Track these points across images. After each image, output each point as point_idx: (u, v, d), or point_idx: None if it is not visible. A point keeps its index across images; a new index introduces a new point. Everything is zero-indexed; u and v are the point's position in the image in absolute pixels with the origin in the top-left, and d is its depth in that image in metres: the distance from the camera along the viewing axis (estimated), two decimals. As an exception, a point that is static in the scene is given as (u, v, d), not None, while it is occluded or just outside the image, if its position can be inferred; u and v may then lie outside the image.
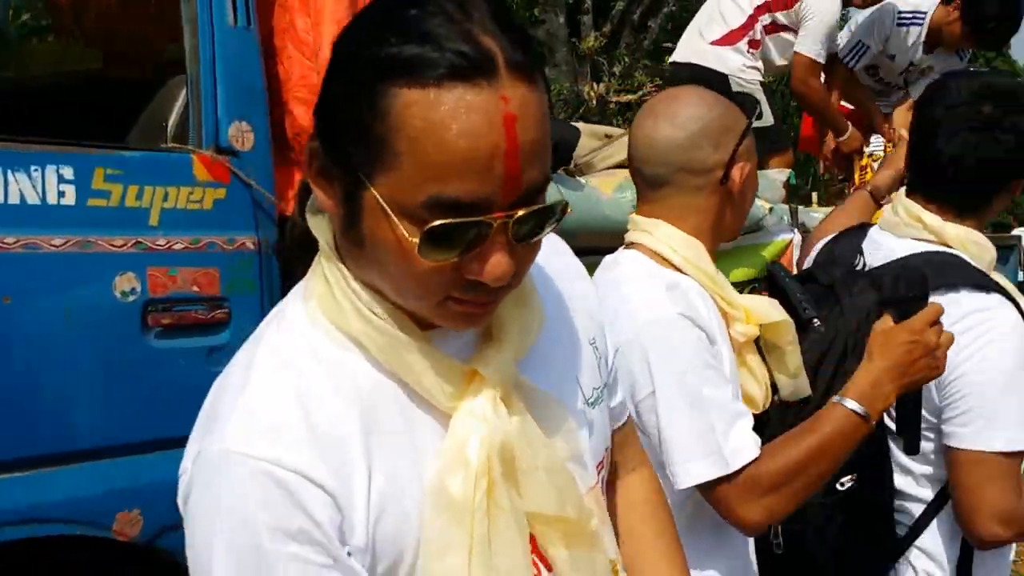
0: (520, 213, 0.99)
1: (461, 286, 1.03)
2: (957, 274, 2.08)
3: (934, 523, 2.13)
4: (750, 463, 1.74)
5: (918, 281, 2.01)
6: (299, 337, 1.10)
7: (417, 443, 1.08)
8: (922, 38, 4.84)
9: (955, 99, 2.14)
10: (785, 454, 1.77)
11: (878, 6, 4.85)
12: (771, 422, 1.93)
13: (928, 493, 2.12)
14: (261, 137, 2.71)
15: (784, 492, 1.75)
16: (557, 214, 1.04)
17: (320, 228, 1.13)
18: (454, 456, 1.05)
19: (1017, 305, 2.07)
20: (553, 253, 1.32)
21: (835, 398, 1.83)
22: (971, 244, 2.16)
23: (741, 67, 4.53)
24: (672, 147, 1.87)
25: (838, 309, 2.06)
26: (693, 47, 4.74)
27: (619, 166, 3.14)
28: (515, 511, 1.08)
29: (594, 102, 10.38)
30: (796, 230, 4.02)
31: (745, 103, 1.99)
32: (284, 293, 2.99)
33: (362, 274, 1.08)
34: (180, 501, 1.07)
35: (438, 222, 0.96)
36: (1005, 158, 2.12)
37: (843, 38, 5.03)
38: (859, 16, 5.08)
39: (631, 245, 1.95)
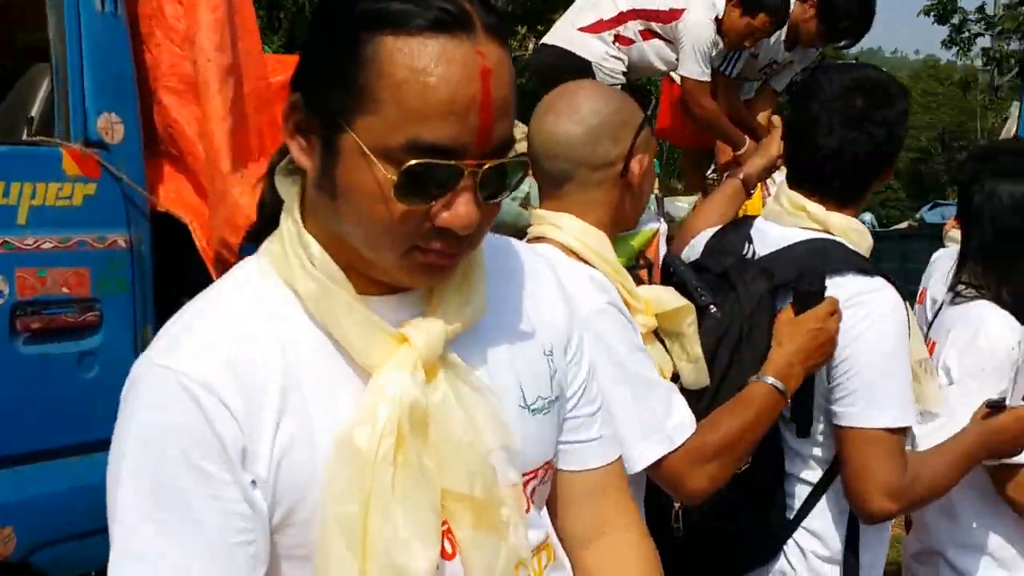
0: (490, 164, 1.05)
1: (428, 235, 1.07)
2: (841, 260, 2.18)
3: (822, 502, 2.23)
4: (691, 436, 1.85)
5: (818, 277, 2.09)
6: (245, 284, 1.15)
7: (338, 398, 1.11)
8: (783, 37, 4.99)
9: (828, 95, 2.23)
10: (725, 424, 1.89)
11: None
12: None
13: (817, 475, 2.22)
14: (131, 129, 2.60)
15: (724, 461, 1.88)
16: (519, 175, 1.10)
17: (287, 189, 1.17)
18: (366, 410, 1.08)
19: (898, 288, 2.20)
20: (534, 254, 1.37)
21: (755, 377, 1.96)
22: (852, 231, 2.27)
23: (604, 55, 4.58)
24: (573, 143, 1.88)
25: (733, 296, 2.13)
26: (562, 32, 4.78)
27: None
28: (423, 469, 1.10)
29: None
30: (662, 219, 4.11)
31: (641, 95, 2.02)
32: (157, 292, 2.88)
33: (331, 227, 1.11)
34: None
35: (416, 161, 1.01)
36: (877, 150, 2.24)
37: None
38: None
39: (539, 239, 1.96)
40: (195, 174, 2.81)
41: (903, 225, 11.94)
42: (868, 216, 16.48)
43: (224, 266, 2.62)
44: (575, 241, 1.90)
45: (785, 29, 4.89)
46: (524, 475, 1.23)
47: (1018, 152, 2.69)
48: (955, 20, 27.94)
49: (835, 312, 1.99)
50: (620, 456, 1.42)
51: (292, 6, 11.69)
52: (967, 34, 28.47)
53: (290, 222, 1.14)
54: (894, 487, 2.06)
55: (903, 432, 2.09)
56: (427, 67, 1.00)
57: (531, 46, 12.35)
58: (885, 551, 2.28)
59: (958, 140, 35.51)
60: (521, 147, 3.18)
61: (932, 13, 27.64)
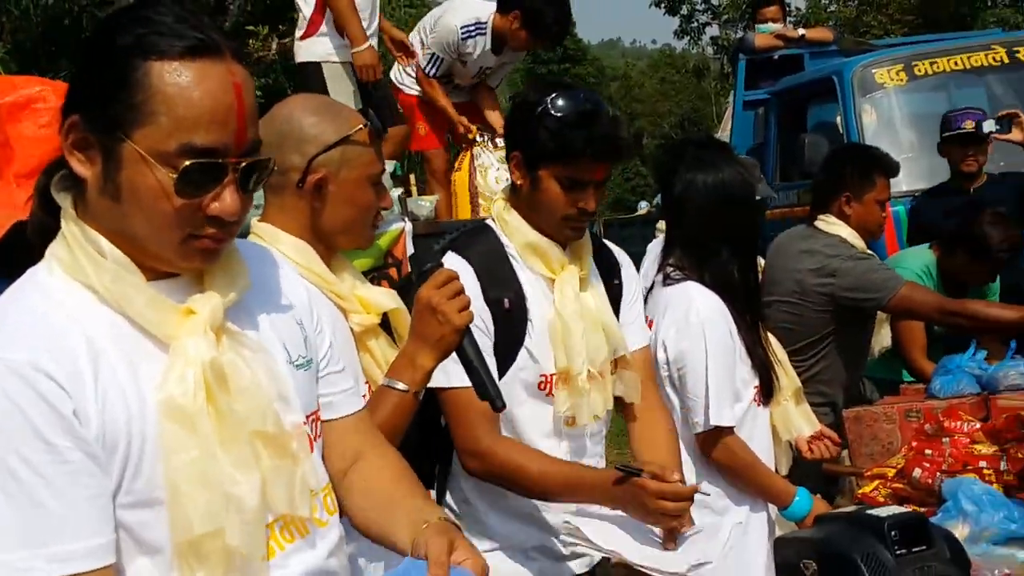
0: (247, 161, 1.32)
1: (202, 224, 1.31)
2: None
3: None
4: None
5: (435, 252, 2.24)
6: (35, 283, 1.32)
7: (138, 369, 1.30)
8: (488, 46, 5.29)
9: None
10: None
11: (440, 27, 5.26)
12: None
13: None
14: None
15: None
16: (269, 168, 1.38)
17: (64, 200, 1.34)
18: (176, 372, 1.30)
19: None
20: (276, 255, 1.66)
21: (383, 381, 1.96)
22: None
23: (329, 52, 4.70)
24: (265, 146, 1.95)
25: None
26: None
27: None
28: (234, 413, 1.33)
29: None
30: (406, 218, 4.20)
31: (372, 119, 2.06)
32: None
33: (114, 226, 1.30)
34: None
35: (190, 162, 1.26)
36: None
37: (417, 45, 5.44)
38: (427, 28, 5.41)
39: None
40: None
41: (643, 210, 12.58)
42: (643, 204, 17.26)
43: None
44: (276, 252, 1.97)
45: (489, 40, 5.16)
46: (308, 416, 1.49)
47: (703, 144, 2.96)
48: (684, 11, 29.47)
49: (447, 282, 1.94)
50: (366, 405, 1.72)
51: (16, 9, 11.07)
52: (696, 24, 30.11)
53: (72, 226, 1.32)
54: (470, 449, 2.22)
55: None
56: (191, 84, 1.26)
57: (274, 46, 12.21)
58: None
59: (697, 125, 37.46)
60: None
61: (662, 5, 29.05)
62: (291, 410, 1.44)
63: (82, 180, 1.31)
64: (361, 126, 2.01)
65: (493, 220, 2.39)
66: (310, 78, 4.66)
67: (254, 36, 12.34)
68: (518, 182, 2.30)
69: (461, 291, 1.93)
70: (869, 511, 1.95)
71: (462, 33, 5.20)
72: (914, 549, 1.87)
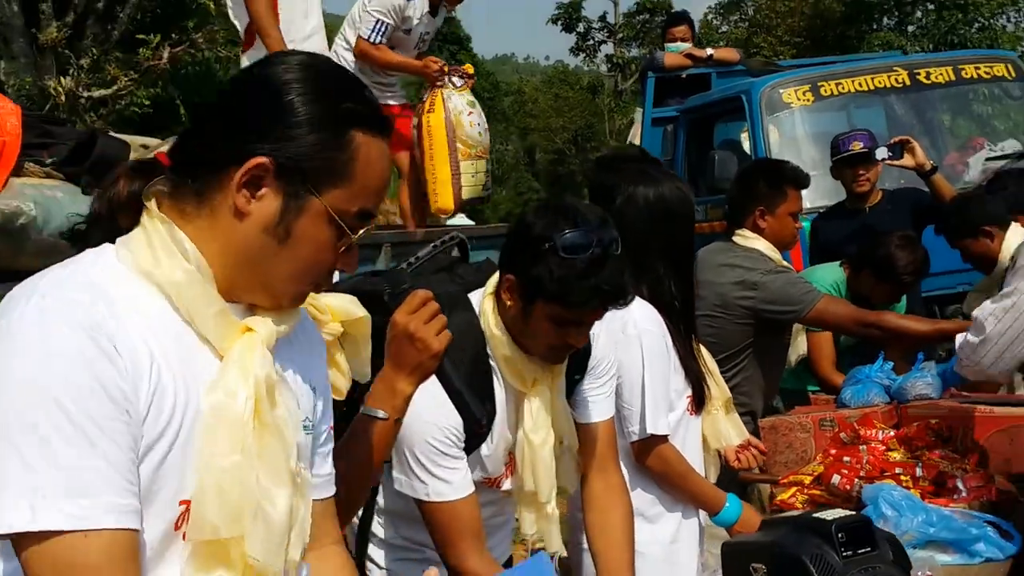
0: (372, 223, 1.45)
1: (327, 277, 1.47)
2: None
3: None
4: None
5: (397, 279, 2.22)
6: (105, 267, 1.33)
7: (192, 369, 1.33)
8: (426, 7, 5.34)
9: None
10: (345, 465, 1.83)
11: None
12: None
13: None
14: None
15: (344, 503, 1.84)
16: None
17: (150, 202, 1.38)
18: (231, 381, 1.33)
19: None
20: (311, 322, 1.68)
21: (362, 409, 1.93)
22: None
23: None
24: None
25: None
26: None
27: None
28: (277, 426, 1.37)
29: (63, 98, 9.78)
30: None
31: None
32: None
33: (250, 257, 1.36)
34: None
35: (366, 227, 1.41)
36: None
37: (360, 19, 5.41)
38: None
39: None
40: None
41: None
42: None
43: None
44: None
45: (426, 2, 5.27)
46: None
47: (638, 159, 3.02)
48: (580, 28, 29.93)
49: (422, 305, 1.91)
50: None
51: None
52: (592, 41, 30.59)
53: (159, 224, 1.35)
54: (455, 565, 2.22)
55: None
56: (379, 158, 1.40)
57: (165, 55, 11.99)
58: None
59: (590, 141, 37.91)
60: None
61: (559, 21, 29.46)
62: (301, 454, 1.47)
63: (207, 193, 1.36)
64: None
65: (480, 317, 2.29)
66: None
67: (144, 45, 12.10)
68: (508, 303, 2.20)
69: (437, 312, 1.90)
70: (815, 515, 2.01)
71: None
72: (860, 551, 1.93)
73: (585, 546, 2.73)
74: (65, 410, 1.20)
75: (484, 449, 2.26)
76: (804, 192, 5.92)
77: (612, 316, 2.71)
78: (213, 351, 1.36)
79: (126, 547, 1.23)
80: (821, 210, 5.55)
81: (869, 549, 1.95)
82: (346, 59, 5.48)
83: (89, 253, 1.37)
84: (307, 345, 1.57)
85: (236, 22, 4.70)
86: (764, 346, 3.85)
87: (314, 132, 1.34)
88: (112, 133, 3.64)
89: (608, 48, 30.95)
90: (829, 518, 1.96)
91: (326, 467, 1.63)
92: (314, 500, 1.54)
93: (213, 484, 1.31)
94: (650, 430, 2.67)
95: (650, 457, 2.72)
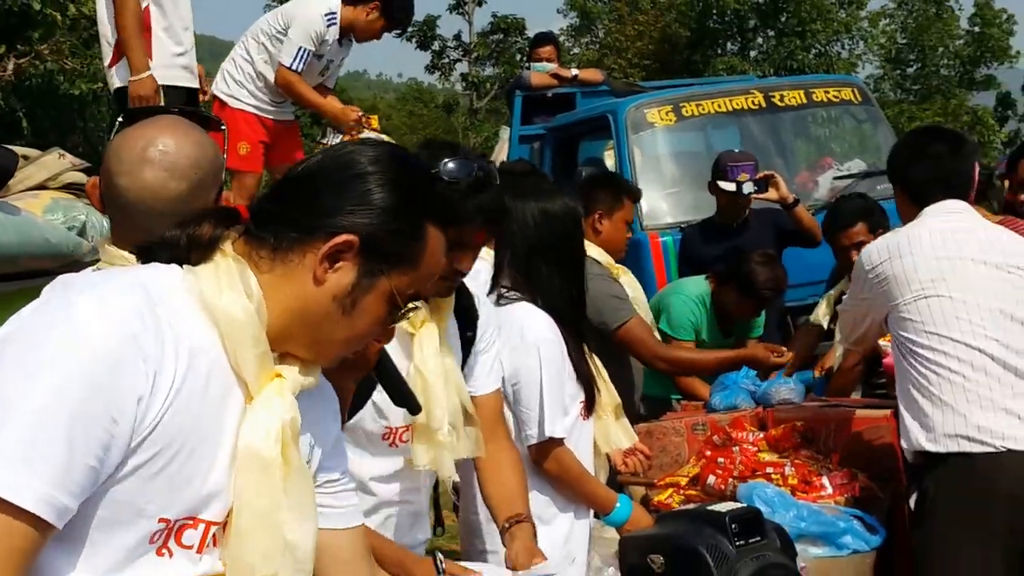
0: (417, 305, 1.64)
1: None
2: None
3: None
4: None
5: None
6: (169, 285, 1.42)
7: (217, 403, 1.41)
8: (337, 35, 5.33)
9: None
10: None
11: (301, 18, 5.27)
12: None
13: None
14: None
15: None
16: None
17: (226, 242, 1.48)
18: (262, 423, 1.43)
19: None
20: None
21: None
22: None
23: None
24: (179, 198, 1.90)
25: None
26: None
27: (39, 187, 3.02)
28: (300, 465, 1.49)
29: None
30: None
31: (209, 123, 2.07)
32: None
33: (322, 322, 1.48)
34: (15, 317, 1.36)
35: (413, 305, 1.56)
36: None
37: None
38: (280, 24, 5.37)
39: None
40: None
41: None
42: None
43: None
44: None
45: (339, 29, 5.26)
46: None
47: (527, 173, 3.12)
48: (436, 46, 30.04)
49: None
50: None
51: None
52: (447, 60, 30.73)
53: (231, 262, 1.45)
54: None
55: None
56: (441, 251, 1.54)
57: (10, 66, 11.53)
58: None
59: (444, 158, 37.90)
60: (41, 176, 3.09)
61: (414, 39, 29.49)
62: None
63: (286, 252, 1.46)
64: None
65: None
66: (123, 104, 4.52)
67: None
68: None
69: None
70: (709, 507, 2.13)
71: (326, 20, 5.23)
72: (751, 540, 2.05)
73: (476, 545, 2.81)
74: (67, 399, 1.27)
75: (374, 394, 2.29)
76: (665, 208, 6.18)
77: (510, 323, 2.81)
78: (243, 390, 1.45)
79: (26, 535, 1.26)
80: (682, 225, 5.77)
81: (760, 538, 2.07)
82: (244, 70, 5.44)
83: (156, 267, 1.46)
84: (319, 401, 1.64)
85: (107, 35, 4.60)
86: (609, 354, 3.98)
87: (397, 220, 1.47)
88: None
89: (463, 67, 31.16)
90: (723, 510, 2.08)
91: (351, 499, 1.72)
92: (348, 528, 1.68)
93: (247, 526, 1.42)
94: (548, 433, 2.76)
95: (547, 460, 2.81)
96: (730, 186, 5.13)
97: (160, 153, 1.90)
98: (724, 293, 4.72)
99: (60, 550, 1.32)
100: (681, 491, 3.45)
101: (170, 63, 4.56)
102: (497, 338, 2.65)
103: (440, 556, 2.27)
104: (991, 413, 2.85)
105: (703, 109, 6.26)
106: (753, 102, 6.31)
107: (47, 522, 1.26)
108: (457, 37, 30.25)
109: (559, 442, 2.80)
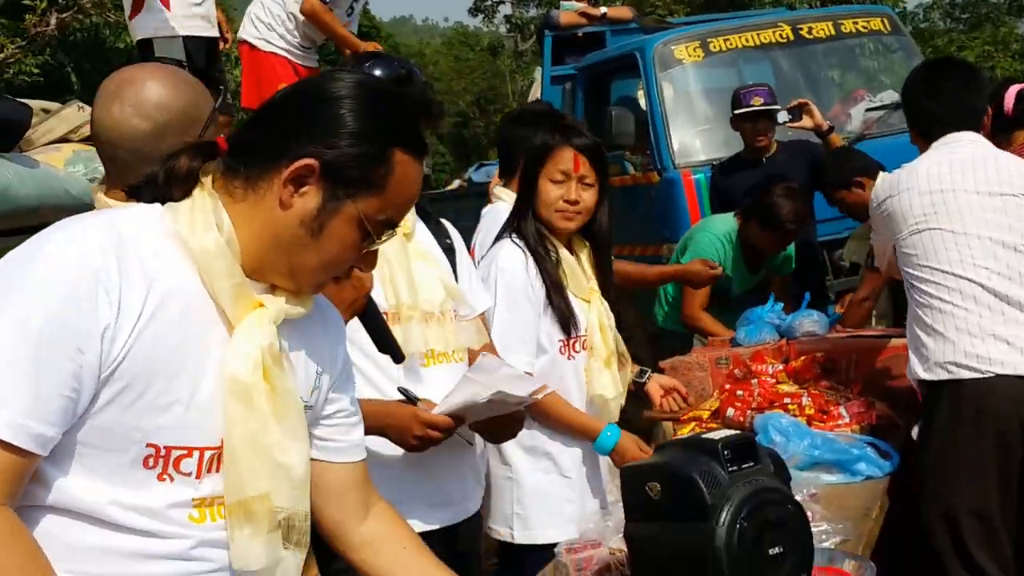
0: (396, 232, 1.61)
1: (346, 272, 1.62)
2: None
3: None
4: None
5: None
6: (145, 224, 1.47)
7: (198, 332, 1.47)
8: None
9: None
10: None
11: None
12: None
13: None
14: None
15: None
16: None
17: (205, 177, 1.52)
18: (241, 352, 1.48)
19: None
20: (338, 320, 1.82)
21: None
22: None
23: (155, 29, 4.62)
24: (138, 137, 1.90)
25: None
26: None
27: (61, 140, 3.11)
28: (287, 389, 1.53)
29: None
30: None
31: (211, 86, 2.10)
32: None
33: (282, 244, 1.50)
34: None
35: (388, 234, 1.56)
36: None
37: None
38: None
39: None
40: None
41: (454, 185, 12.71)
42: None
43: None
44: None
45: None
46: None
47: (542, 114, 3.15)
48: (479, -11, 29.76)
49: None
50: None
51: None
52: (491, 2, 30.47)
53: (207, 198, 1.49)
54: None
55: None
56: (413, 177, 1.55)
57: (53, 21, 11.62)
58: None
59: (492, 103, 37.84)
60: (62, 130, 3.17)
61: (458, -18, 29.22)
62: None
63: (257, 180, 1.49)
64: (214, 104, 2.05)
65: None
66: (147, 56, 4.59)
67: (31, 11, 11.73)
68: None
69: None
70: (703, 435, 2.17)
71: None
72: (744, 466, 2.08)
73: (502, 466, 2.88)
74: (31, 331, 1.33)
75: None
76: (697, 145, 6.15)
77: (488, 258, 2.86)
78: (226, 321, 1.49)
79: (7, 461, 1.32)
80: (714, 162, 5.74)
81: (752, 463, 2.09)
82: (273, 11, 5.45)
83: (137, 206, 1.51)
84: (320, 327, 1.69)
85: None
86: None
87: (359, 145, 1.49)
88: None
89: (507, 9, 30.90)
90: (716, 438, 2.11)
91: (354, 434, 1.79)
92: (345, 463, 1.75)
93: (233, 449, 1.48)
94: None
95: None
96: (781, 115, 5.13)
97: (132, 91, 1.92)
98: (749, 228, 4.72)
99: (62, 472, 1.40)
100: (703, 424, 3.49)
101: (188, 13, 4.61)
102: (470, 260, 2.73)
103: (410, 391, 2.35)
104: (980, 340, 2.88)
105: (731, 44, 6.20)
106: (781, 35, 6.24)
107: (25, 450, 1.33)
108: (500, -22, 29.95)
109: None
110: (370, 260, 1.62)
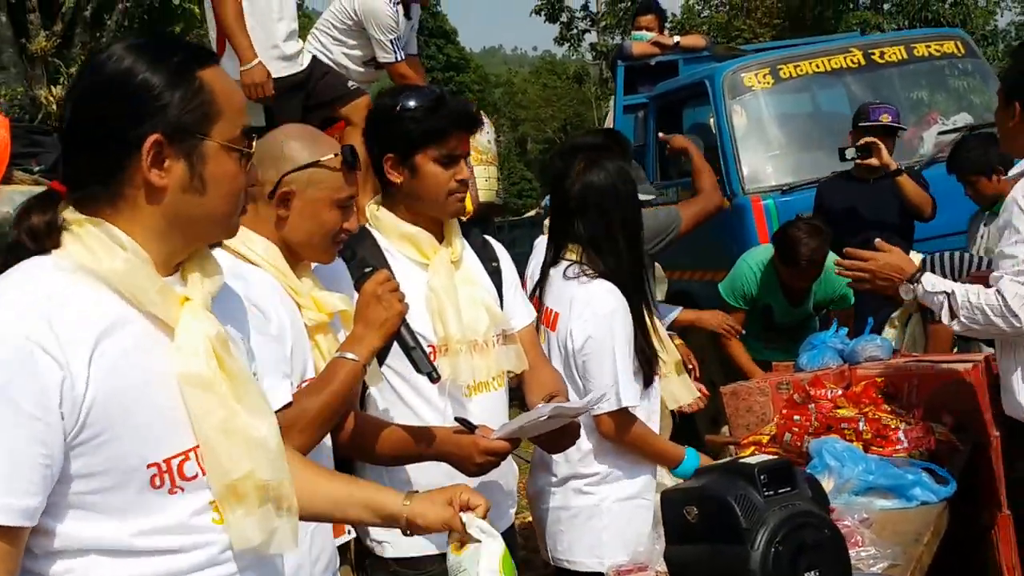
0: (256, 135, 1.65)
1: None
2: None
3: None
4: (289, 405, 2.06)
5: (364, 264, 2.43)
6: (44, 274, 1.47)
7: (144, 344, 1.50)
8: (402, 11, 5.42)
9: None
10: (312, 397, 2.13)
11: (369, 13, 5.35)
12: None
13: None
14: None
15: (314, 429, 2.13)
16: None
17: (71, 212, 1.52)
18: (190, 347, 1.52)
19: None
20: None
21: (336, 353, 2.21)
22: None
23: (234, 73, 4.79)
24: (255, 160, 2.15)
25: None
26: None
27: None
28: (240, 370, 1.59)
29: (55, 107, 9.90)
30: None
31: (345, 151, 2.27)
32: None
33: (193, 215, 1.55)
34: None
35: (252, 138, 1.60)
36: None
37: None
38: (366, 21, 5.43)
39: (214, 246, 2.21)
40: None
41: (532, 213, 12.83)
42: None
43: None
44: (242, 246, 2.18)
45: (402, 7, 5.39)
46: None
47: (596, 146, 3.21)
48: (564, 18, 29.93)
49: (385, 280, 2.25)
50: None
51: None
52: (576, 31, 30.61)
53: (89, 226, 1.50)
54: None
55: None
56: (225, 81, 1.58)
57: None
58: None
59: (578, 129, 37.98)
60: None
61: (542, 12, 29.46)
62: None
63: (117, 192, 1.51)
64: (333, 154, 2.24)
65: (369, 224, 2.64)
66: None
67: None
68: (397, 180, 2.57)
69: (398, 287, 2.24)
70: (741, 460, 2.22)
71: (390, 4, 5.35)
72: (780, 490, 2.12)
73: (550, 504, 2.96)
74: None
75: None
76: (768, 171, 6.15)
77: (584, 297, 2.92)
78: (164, 327, 1.52)
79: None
80: (783, 188, 5.75)
81: (789, 488, 2.14)
82: (329, 58, 5.54)
83: (26, 264, 1.49)
84: (227, 302, 1.73)
85: (211, 31, 4.81)
86: None
87: (174, 92, 1.51)
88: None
89: (592, 37, 31.03)
90: (753, 462, 2.16)
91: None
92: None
93: (209, 440, 1.52)
94: (624, 402, 2.88)
95: (620, 428, 2.93)
96: (849, 151, 5.14)
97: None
98: (776, 259, 4.73)
99: (81, 521, 1.45)
100: (762, 449, 3.51)
101: (266, 56, 4.72)
102: (517, 278, 2.83)
103: (467, 419, 2.45)
104: None
105: (801, 70, 6.20)
106: (853, 60, 6.22)
107: (10, 527, 1.37)
108: (585, 7, 30.10)
109: (631, 410, 2.92)
110: (353, 220, 1.87)
